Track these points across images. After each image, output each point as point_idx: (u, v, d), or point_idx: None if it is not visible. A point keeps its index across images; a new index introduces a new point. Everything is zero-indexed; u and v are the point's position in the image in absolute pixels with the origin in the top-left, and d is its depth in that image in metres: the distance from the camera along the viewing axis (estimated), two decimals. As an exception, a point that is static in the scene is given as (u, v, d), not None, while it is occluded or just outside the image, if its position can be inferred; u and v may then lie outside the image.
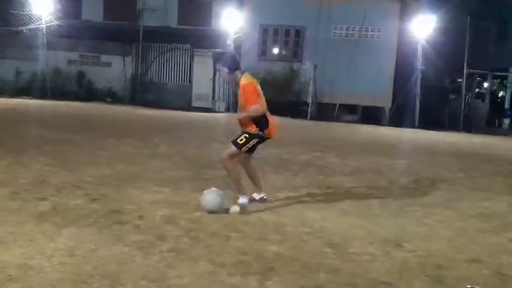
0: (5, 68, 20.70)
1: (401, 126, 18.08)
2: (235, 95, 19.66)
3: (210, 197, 5.22)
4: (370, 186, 7.29)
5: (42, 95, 19.85)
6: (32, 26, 20.19)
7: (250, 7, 20.58)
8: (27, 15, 20.13)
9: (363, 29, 20.00)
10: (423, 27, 19.18)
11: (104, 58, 21.71)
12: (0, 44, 20.93)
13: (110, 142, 9.75)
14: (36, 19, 20.22)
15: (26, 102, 18.36)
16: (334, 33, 20.49)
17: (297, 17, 20.17)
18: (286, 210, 5.56)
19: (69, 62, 21.49)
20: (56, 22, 20.08)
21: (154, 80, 21.79)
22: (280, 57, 21.03)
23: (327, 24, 20.06)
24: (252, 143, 5.30)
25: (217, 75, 20.43)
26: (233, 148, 5.26)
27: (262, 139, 5.37)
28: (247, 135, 5.27)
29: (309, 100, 19.81)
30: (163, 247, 4.15)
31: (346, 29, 20.50)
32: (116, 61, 21.65)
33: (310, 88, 19.76)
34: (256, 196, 5.71)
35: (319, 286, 3.57)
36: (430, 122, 18.75)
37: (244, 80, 5.26)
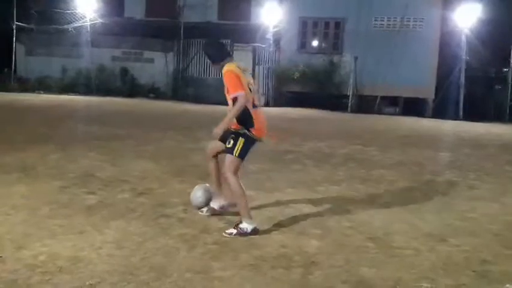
0: (52, 66, 21.29)
1: (444, 118, 17.68)
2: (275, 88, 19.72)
3: (196, 194, 4.92)
4: (413, 179, 7.19)
5: (88, 92, 20.35)
6: (76, 24, 20.72)
7: (289, 0, 20.49)
8: (72, 13, 20.68)
9: (405, 19, 19.60)
10: (467, 16, 18.65)
11: (147, 54, 22.04)
12: (47, 43, 21.54)
13: (154, 137, 9.94)
14: (81, 17, 20.74)
15: (73, 98, 18.89)
16: (374, 24, 20.15)
17: (336, 9, 19.94)
18: (327, 204, 5.56)
19: (113, 58, 21.88)
20: (100, 20, 20.55)
21: (195, 75, 21.99)
22: (319, 50, 20.84)
23: (368, 15, 19.75)
24: (240, 143, 4.44)
25: (256, 69, 20.44)
26: (227, 157, 4.51)
27: (250, 140, 4.51)
28: (234, 135, 4.49)
29: (349, 93, 19.58)
30: (207, 240, 4.23)
31: (387, 20, 20.11)
32: (158, 57, 21.95)
33: (351, 80, 19.54)
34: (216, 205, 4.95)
35: (362, 281, 3.57)
36: (474, 113, 18.22)
37: (226, 67, 4.49)
